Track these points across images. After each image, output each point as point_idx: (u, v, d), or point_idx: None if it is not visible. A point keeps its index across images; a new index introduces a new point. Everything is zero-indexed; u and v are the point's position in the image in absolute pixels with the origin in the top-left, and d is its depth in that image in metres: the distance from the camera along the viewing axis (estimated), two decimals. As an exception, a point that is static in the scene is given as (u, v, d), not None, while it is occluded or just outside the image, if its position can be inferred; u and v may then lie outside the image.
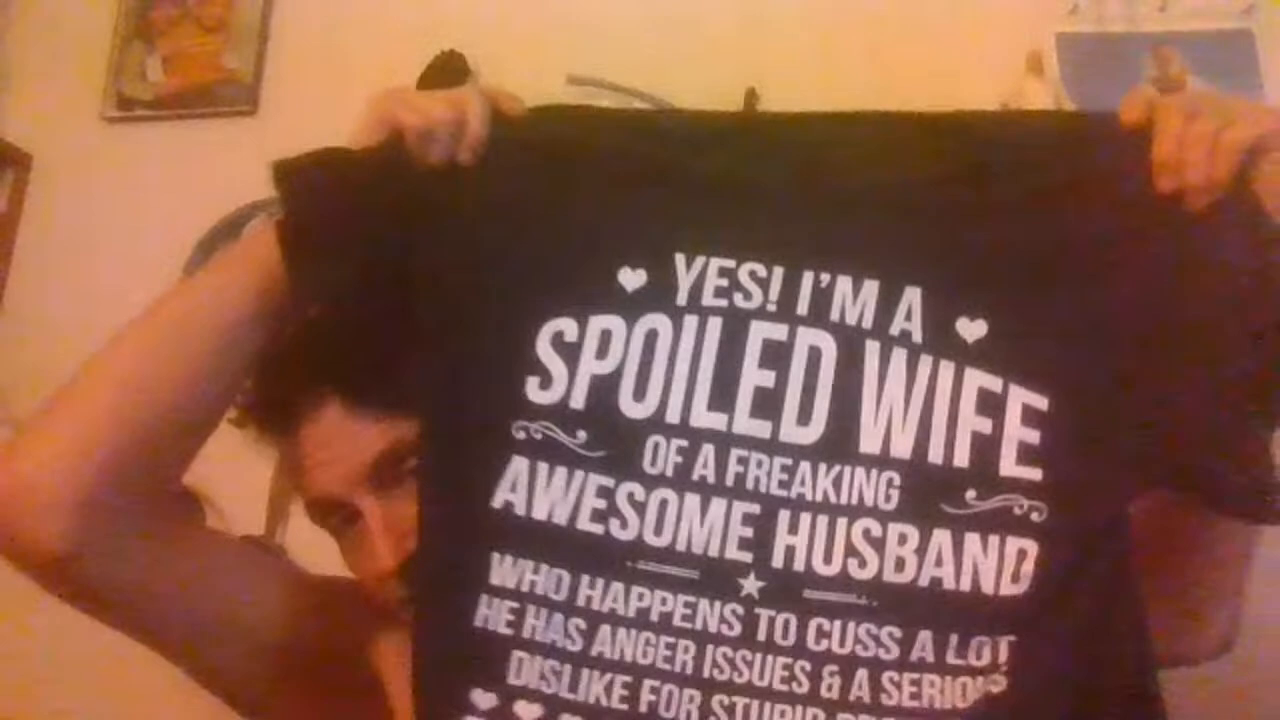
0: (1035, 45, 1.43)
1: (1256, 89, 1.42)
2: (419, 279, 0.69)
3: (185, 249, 1.51)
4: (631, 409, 0.67)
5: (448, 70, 1.54)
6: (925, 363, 0.67)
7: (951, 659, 0.64)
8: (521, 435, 0.67)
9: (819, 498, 0.66)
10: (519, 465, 0.67)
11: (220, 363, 0.69)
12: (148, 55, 1.68)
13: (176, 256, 1.49)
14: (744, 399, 0.67)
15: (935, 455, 0.66)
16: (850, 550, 0.65)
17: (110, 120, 1.66)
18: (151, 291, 0.72)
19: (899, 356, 0.67)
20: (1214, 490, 0.65)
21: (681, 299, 0.69)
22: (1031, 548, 0.64)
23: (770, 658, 0.64)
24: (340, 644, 0.78)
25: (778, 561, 0.65)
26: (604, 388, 0.68)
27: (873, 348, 0.68)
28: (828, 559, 0.65)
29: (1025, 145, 0.70)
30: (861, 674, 0.64)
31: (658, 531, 0.66)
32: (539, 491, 0.67)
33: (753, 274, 0.69)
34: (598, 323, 0.69)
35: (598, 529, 0.66)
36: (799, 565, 0.65)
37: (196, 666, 0.75)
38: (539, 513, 0.66)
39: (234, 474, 1.43)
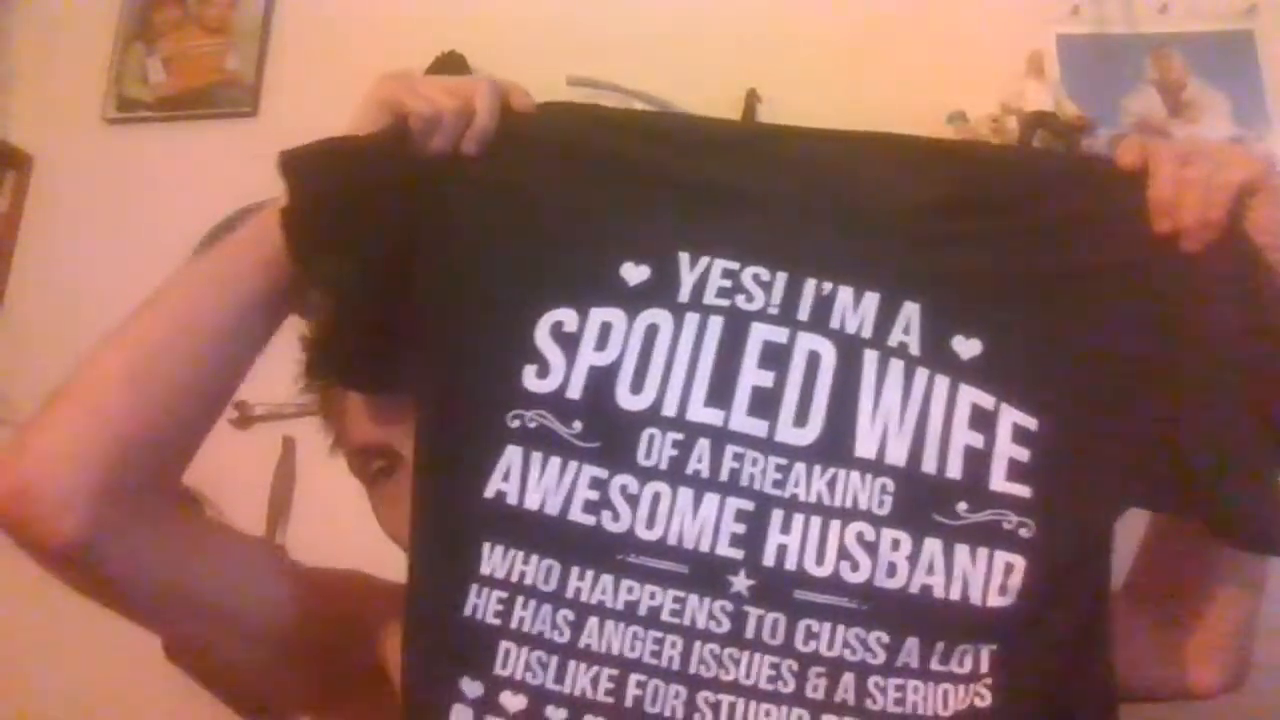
0: (1036, 46, 1.43)
1: (1256, 89, 1.42)
2: (420, 266, 0.69)
3: (186, 250, 1.51)
4: (628, 401, 0.67)
5: (448, 71, 1.54)
6: (921, 375, 0.68)
7: (935, 665, 0.64)
8: (516, 424, 0.67)
9: (813, 499, 0.66)
10: (512, 454, 0.67)
11: (226, 351, 0.68)
12: (149, 57, 1.69)
13: (177, 257, 1.49)
14: (742, 397, 0.67)
15: (929, 465, 0.66)
16: (843, 553, 0.65)
17: (111, 121, 1.67)
18: (153, 292, 0.72)
19: (896, 367, 0.68)
20: (1215, 518, 0.66)
21: (684, 296, 0.69)
22: (1019, 562, 0.65)
23: (757, 656, 0.64)
24: (347, 636, 0.78)
25: (769, 560, 0.65)
26: (602, 379, 0.68)
27: (871, 356, 0.68)
28: (820, 560, 0.65)
29: (1026, 180, 0.72)
30: (848, 677, 0.64)
31: (649, 525, 0.65)
32: (532, 481, 0.66)
33: (756, 277, 0.69)
34: (598, 314, 0.69)
35: (589, 520, 0.66)
36: (790, 565, 0.65)
37: (207, 656, 0.75)
38: (531, 503, 0.66)
39: (234, 474, 1.45)
